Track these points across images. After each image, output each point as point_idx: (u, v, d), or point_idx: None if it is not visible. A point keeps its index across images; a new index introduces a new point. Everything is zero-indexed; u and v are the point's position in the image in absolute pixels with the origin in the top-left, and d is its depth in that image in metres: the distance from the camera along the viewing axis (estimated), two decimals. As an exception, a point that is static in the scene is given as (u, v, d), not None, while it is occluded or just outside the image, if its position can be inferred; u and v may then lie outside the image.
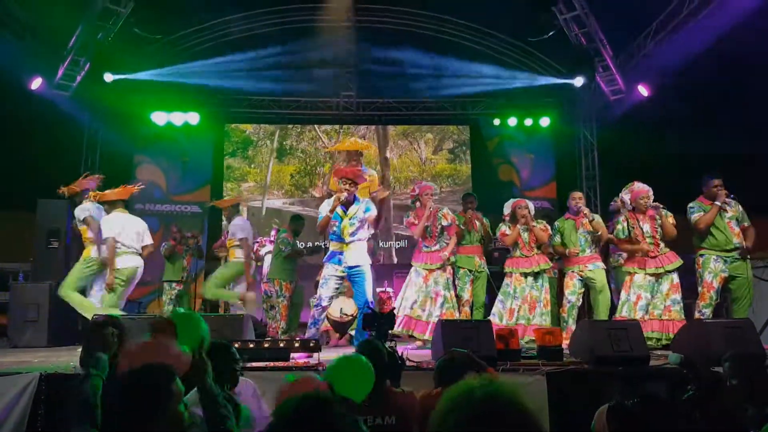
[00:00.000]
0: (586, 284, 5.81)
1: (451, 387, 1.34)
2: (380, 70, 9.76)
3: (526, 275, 5.75)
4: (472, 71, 9.81)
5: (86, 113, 9.37)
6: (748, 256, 5.47)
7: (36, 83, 8.27)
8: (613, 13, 8.49)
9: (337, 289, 5.22)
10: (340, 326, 6.74)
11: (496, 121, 10.41)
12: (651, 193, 5.55)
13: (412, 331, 5.61)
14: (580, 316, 6.02)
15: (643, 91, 8.98)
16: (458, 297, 6.08)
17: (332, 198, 5.19)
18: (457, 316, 5.70)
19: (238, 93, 10.03)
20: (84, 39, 8.27)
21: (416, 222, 5.86)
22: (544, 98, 10.21)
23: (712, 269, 5.38)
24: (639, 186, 5.60)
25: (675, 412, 2.64)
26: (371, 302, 5.07)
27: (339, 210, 5.09)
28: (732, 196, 5.47)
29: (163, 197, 10.00)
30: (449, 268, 5.89)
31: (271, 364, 3.99)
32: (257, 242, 8.05)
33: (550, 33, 8.54)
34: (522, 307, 5.67)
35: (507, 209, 6.03)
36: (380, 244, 9.41)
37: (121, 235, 5.63)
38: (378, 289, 7.49)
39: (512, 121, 10.31)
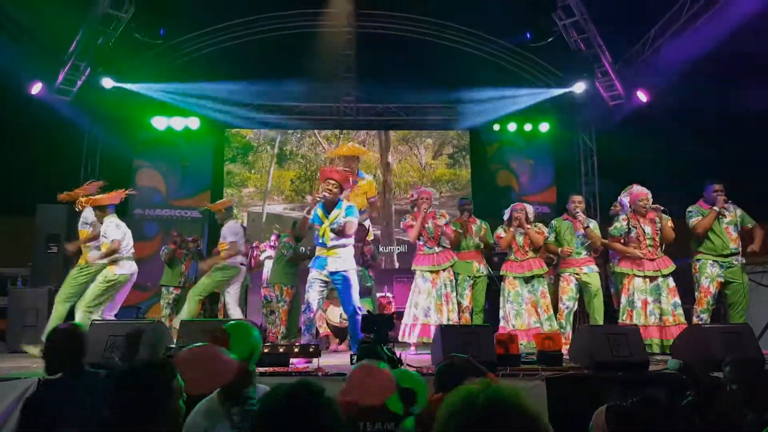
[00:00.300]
0: (581, 288, 5.80)
1: (452, 392, 1.34)
2: (381, 75, 9.78)
3: (519, 279, 5.75)
4: (473, 77, 9.85)
5: (86, 118, 9.37)
6: (744, 261, 5.47)
7: (36, 88, 8.28)
8: (612, 19, 8.53)
9: (323, 292, 5.13)
10: (340, 332, 6.73)
11: (496, 127, 10.42)
12: (650, 196, 5.56)
13: (428, 339, 5.57)
14: (576, 321, 6.02)
15: (642, 96, 9.00)
16: (458, 303, 6.08)
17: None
18: (454, 318, 5.70)
19: (239, 98, 10.04)
20: (85, 44, 8.29)
21: (413, 224, 5.87)
22: (543, 104, 10.23)
23: (709, 274, 5.40)
24: (638, 189, 5.62)
25: (674, 414, 2.64)
26: (360, 308, 5.06)
27: (320, 213, 5.00)
28: (730, 201, 5.49)
29: (162, 202, 10.00)
30: (452, 270, 5.91)
31: (271, 369, 3.98)
32: (256, 247, 8.06)
33: (549, 39, 8.56)
34: (521, 311, 5.66)
35: (507, 214, 6.05)
36: (380, 248, 9.40)
37: (123, 240, 5.66)
38: (378, 295, 7.49)
39: (512, 127, 10.34)
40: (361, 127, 10.61)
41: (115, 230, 5.62)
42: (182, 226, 9.10)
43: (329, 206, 5.02)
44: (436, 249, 5.86)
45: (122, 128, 9.60)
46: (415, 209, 6.00)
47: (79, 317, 5.39)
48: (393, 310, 7.24)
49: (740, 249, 5.45)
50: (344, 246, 5.03)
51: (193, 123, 9.95)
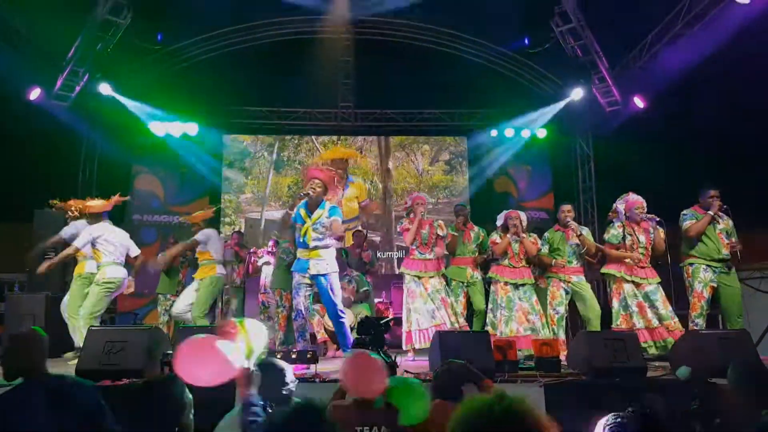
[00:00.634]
0: (572, 295, 5.80)
1: (464, 402, 1.34)
2: (378, 81, 9.81)
3: (509, 285, 5.75)
4: (470, 83, 9.89)
5: (84, 123, 9.37)
6: (734, 267, 5.49)
7: (34, 93, 8.28)
8: (609, 26, 8.57)
9: (309, 296, 5.12)
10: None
11: (493, 133, 10.44)
12: (645, 204, 5.59)
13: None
14: (574, 328, 6.02)
15: (638, 102, 9.03)
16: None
17: (300, 201, 5.11)
18: (458, 325, 5.68)
19: (237, 104, 10.06)
20: (83, 50, 8.30)
21: (410, 227, 5.86)
22: (541, 110, 10.26)
23: (702, 279, 5.41)
24: (634, 197, 5.64)
25: (673, 423, 2.63)
26: (342, 311, 5.04)
27: (303, 213, 4.96)
28: (725, 208, 5.50)
29: (160, 208, 10.00)
30: (443, 278, 5.89)
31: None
32: (254, 253, 8.06)
33: (546, 45, 8.60)
34: (512, 317, 5.65)
35: (500, 220, 6.04)
36: (378, 254, 9.39)
37: (111, 246, 5.64)
38: (376, 300, 7.50)
39: (509, 132, 10.35)
40: (359, 133, 10.63)
41: (83, 238, 5.56)
42: (180, 232, 9.07)
43: (312, 206, 4.99)
44: (428, 256, 5.84)
45: (120, 134, 9.60)
46: (411, 215, 5.99)
47: (83, 324, 5.39)
48: (391, 315, 7.23)
49: (732, 259, 5.48)
50: (326, 247, 5.01)
51: (192, 129, 9.95)
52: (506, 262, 5.86)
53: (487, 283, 6.12)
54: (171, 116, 9.86)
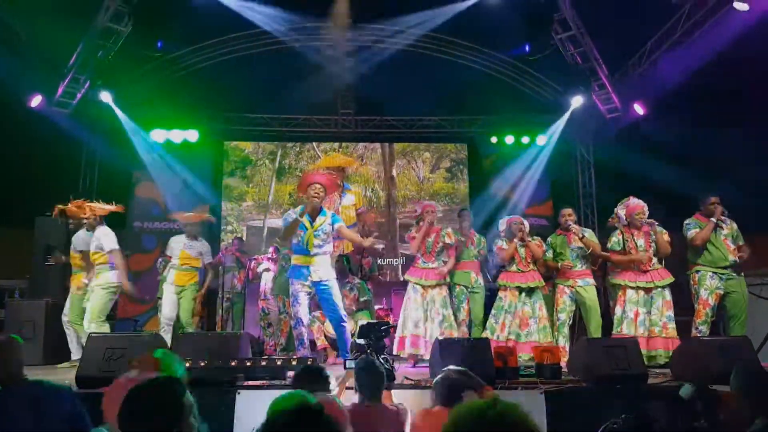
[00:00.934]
0: (577, 301, 5.79)
1: (459, 407, 1.34)
2: (379, 88, 9.83)
3: (520, 290, 5.75)
4: (470, 89, 9.90)
5: (85, 130, 9.39)
6: (742, 273, 5.48)
7: (36, 101, 8.31)
8: (609, 33, 8.60)
9: (309, 304, 5.09)
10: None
11: (494, 139, 10.45)
12: (646, 209, 5.59)
13: (419, 351, 5.56)
14: (576, 334, 6.00)
15: (638, 109, 9.05)
16: (454, 316, 6.05)
17: (298, 207, 5.08)
18: (455, 335, 5.65)
19: (238, 111, 10.08)
20: (84, 57, 8.34)
21: (417, 236, 5.85)
22: (541, 116, 10.29)
23: (708, 286, 5.39)
24: (635, 202, 5.64)
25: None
26: (344, 316, 5.03)
27: (305, 220, 4.91)
28: (727, 213, 5.50)
29: (161, 215, 9.97)
30: (445, 287, 5.87)
31: (268, 382, 3.97)
32: (254, 260, 8.07)
33: (546, 52, 8.62)
34: (513, 322, 5.65)
35: (502, 225, 6.05)
36: (380, 261, 9.37)
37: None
38: (376, 307, 7.49)
39: (509, 139, 10.36)
40: (359, 140, 10.63)
41: (113, 239, 5.69)
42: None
43: (314, 212, 4.96)
44: (431, 265, 5.82)
45: (121, 141, 9.61)
46: (421, 223, 5.97)
47: (95, 328, 5.48)
48: (392, 322, 7.22)
49: (738, 260, 5.46)
50: (325, 254, 4.99)
51: (192, 136, 9.97)
52: (514, 267, 5.87)
53: (490, 289, 6.12)
54: (172, 123, 9.88)
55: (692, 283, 5.55)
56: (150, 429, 1.80)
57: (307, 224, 4.93)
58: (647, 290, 5.42)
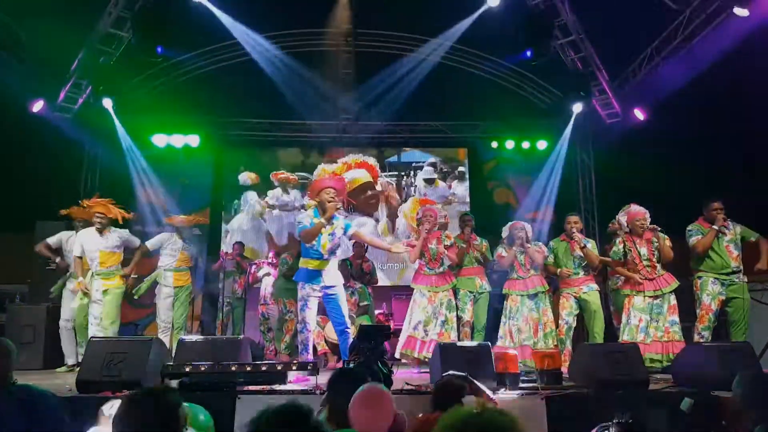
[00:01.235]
0: (581, 307, 5.79)
1: (448, 412, 1.34)
2: (379, 93, 9.84)
3: (522, 296, 5.75)
4: (470, 95, 9.91)
5: (86, 135, 9.42)
6: (745, 278, 5.47)
7: (37, 106, 8.32)
8: (609, 39, 8.62)
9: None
10: (339, 349, 6.70)
11: (494, 144, 10.47)
12: (648, 215, 5.57)
13: (410, 351, 5.57)
14: (576, 340, 6.00)
15: (639, 115, 9.06)
16: (458, 318, 6.06)
17: (310, 210, 5.09)
18: (453, 337, 5.66)
19: (238, 116, 10.09)
20: (86, 62, 8.35)
21: (415, 244, 5.84)
22: (541, 121, 10.30)
23: (710, 291, 5.39)
24: (635, 208, 5.63)
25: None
26: (349, 323, 5.03)
27: (321, 220, 4.89)
28: (730, 219, 5.50)
29: (162, 219, 9.98)
30: (451, 291, 5.88)
31: (268, 387, 3.96)
32: (255, 264, 8.08)
33: (546, 57, 8.61)
34: (523, 328, 5.65)
35: (505, 232, 6.05)
36: (378, 265, 9.37)
37: None
38: (377, 311, 7.49)
39: (510, 144, 10.37)
40: (359, 145, 10.63)
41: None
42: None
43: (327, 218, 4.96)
44: (437, 270, 5.82)
45: (122, 145, 9.61)
46: (420, 227, 5.97)
47: (111, 333, 5.70)
48: (392, 327, 7.22)
49: (741, 267, 5.45)
50: (336, 258, 5.04)
51: (193, 140, 9.99)
52: (515, 275, 5.88)
53: (496, 296, 6.13)
54: (173, 128, 9.91)
55: (695, 288, 5.54)
56: None
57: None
58: (654, 297, 5.40)
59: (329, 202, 4.89)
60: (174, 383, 3.81)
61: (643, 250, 5.49)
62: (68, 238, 6.39)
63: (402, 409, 2.95)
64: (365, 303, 6.91)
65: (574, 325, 5.78)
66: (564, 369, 4.70)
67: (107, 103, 8.68)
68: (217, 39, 9.40)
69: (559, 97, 9.82)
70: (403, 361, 5.72)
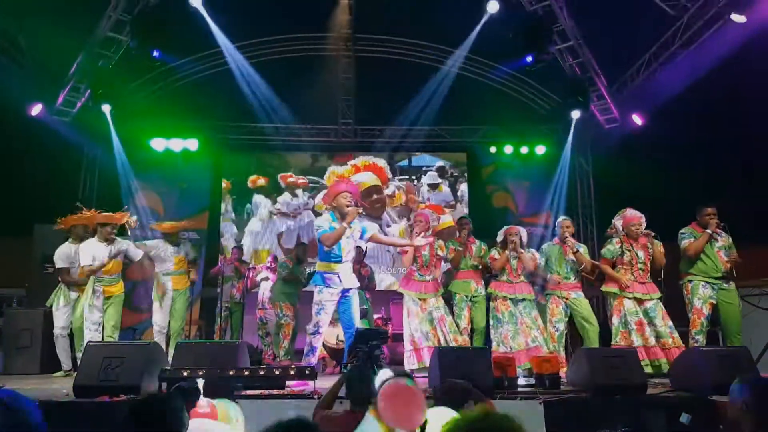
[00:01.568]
0: (570, 313, 5.79)
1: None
2: (378, 98, 9.87)
3: (508, 300, 5.75)
4: (469, 100, 9.93)
5: (85, 139, 9.42)
6: (733, 283, 5.48)
7: (36, 109, 8.32)
8: (607, 44, 8.65)
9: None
10: (337, 354, 6.70)
11: (493, 149, 10.49)
12: (643, 220, 5.59)
13: (422, 363, 5.52)
14: (568, 344, 6.01)
15: (637, 120, 9.08)
16: (456, 324, 6.05)
17: (326, 214, 5.08)
18: (460, 341, 5.65)
19: (237, 120, 10.10)
20: (85, 66, 8.37)
21: (408, 249, 5.83)
22: (540, 126, 10.33)
23: (701, 295, 5.41)
24: (631, 213, 5.65)
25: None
26: (357, 328, 5.02)
27: (343, 224, 4.87)
28: (723, 225, 5.51)
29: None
30: (441, 297, 5.86)
31: (266, 392, 3.95)
32: (253, 268, 8.08)
33: (544, 63, 8.63)
34: (518, 331, 5.64)
35: (500, 236, 6.06)
36: (377, 269, 9.37)
37: None
38: (375, 316, 7.49)
39: (508, 149, 10.39)
40: (358, 149, 10.64)
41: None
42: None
43: (344, 220, 4.94)
44: (427, 278, 5.81)
45: (118, 152, 9.59)
46: (411, 231, 5.98)
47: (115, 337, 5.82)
48: (390, 331, 7.22)
49: (731, 273, 5.47)
50: (351, 261, 5.05)
51: (192, 144, 9.99)
52: (504, 278, 5.87)
53: (487, 299, 6.12)
54: (171, 132, 9.91)
55: (685, 292, 5.56)
56: None
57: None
58: (641, 301, 5.43)
59: (347, 206, 4.90)
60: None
61: (641, 254, 5.53)
62: (74, 251, 6.30)
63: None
64: (363, 307, 6.91)
65: (566, 331, 5.78)
66: (562, 374, 4.70)
67: (106, 109, 8.69)
68: (217, 43, 9.42)
69: (557, 102, 9.85)
70: (410, 367, 5.67)
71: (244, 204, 10.31)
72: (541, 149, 10.38)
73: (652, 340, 5.27)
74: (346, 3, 9.65)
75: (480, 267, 6.28)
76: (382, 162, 10.54)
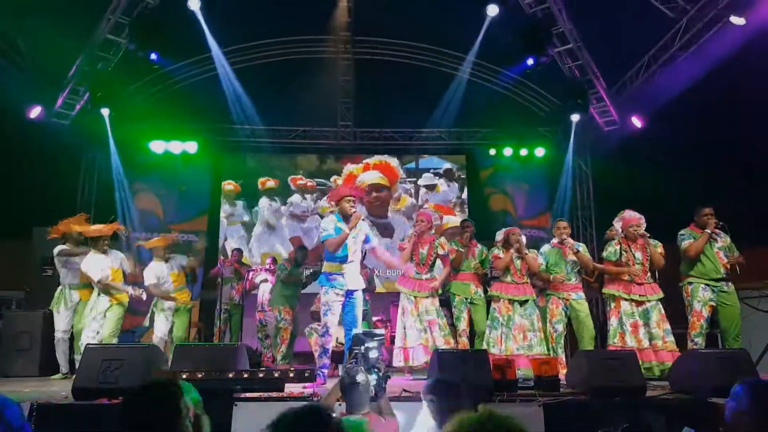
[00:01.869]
0: (569, 314, 5.78)
1: (454, 420, 1.34)
2: (377, 100, 9.88)
3: (513, 302, 5.74)
4: (469, 102, 9.95)
5: (84, 142, 9.42)
6: (732, 285, 5.48)
7: (35, 112, 8.32)
8: (606, 47, 8.66)
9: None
10: (337, 356, 6.68)
11: (492, 151, 10.49)
12: (642, 221, 5.59)
13: (407, 361, 5.54)
14: (569, 347, 6.00)
15: (636, 122, 9.09)
16: (454, 327, 6.03)
17: (331, 216, 5.09)
18: (452, 343, 5.63)
19: (237, 122, 10.11)
20: (84, 69, 8.37)
21: (405, 246, 5.82)
22: (539, 129, 10.33)
23: (701, 298, 5.40)
24: (630, 214, 5.65)
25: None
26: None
27: (345, 229, 4.93)
28: (721, 224, 5.51)
29: (159, 226, 9.96)
30: (437, 298, 5.84)
31: (266, 394, 3.94)
32: (252, 271, 8.07)
33: (543, 65, 8.65)
34: (516, 336, 5.63)
35: (499, 236, 6.05)
36: (377, 271, 9.37)
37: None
38: (374, 318, 7.48)
39: (508, 152, 10.40)
40: (358, 152, 10.65)
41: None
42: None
43: (349, 222, 4.98)
44: (423, 276, 5.79)
45: (120, 152, 9.61)
46: (413, 231, 5.97)
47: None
48: (390, 333, 7.20)
49: (733, 273, 5.47)
50: (357, 261, 5.05)
51: (191, 147, 9.99)
52: (509, 278, 5.85)
53: (487, 301, 6.10)
54: (171, 134, 9.92)
55: (685, 295, 5.55)
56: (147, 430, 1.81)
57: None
58: (641, 303, 5.43)
59: (351, 210, 4.97)
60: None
61: (639, 255, 5.53)
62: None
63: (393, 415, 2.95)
64: (363, 309, 6.89)
65: (564, 332, 5.78)
66: (561, 376, 4.69)
67: (104, 113, 8.69)
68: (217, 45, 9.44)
69: (557, 104, 9.86)
70: (398, 364, 5.67)
71: (253, 206, 10.34)
72: (540, 152, 10.39)
73: (646, 343, 5.27)
74: (345, 6, 9.68)
75: (478, 271, 6.26)
76: (394, 162, 10.55)
